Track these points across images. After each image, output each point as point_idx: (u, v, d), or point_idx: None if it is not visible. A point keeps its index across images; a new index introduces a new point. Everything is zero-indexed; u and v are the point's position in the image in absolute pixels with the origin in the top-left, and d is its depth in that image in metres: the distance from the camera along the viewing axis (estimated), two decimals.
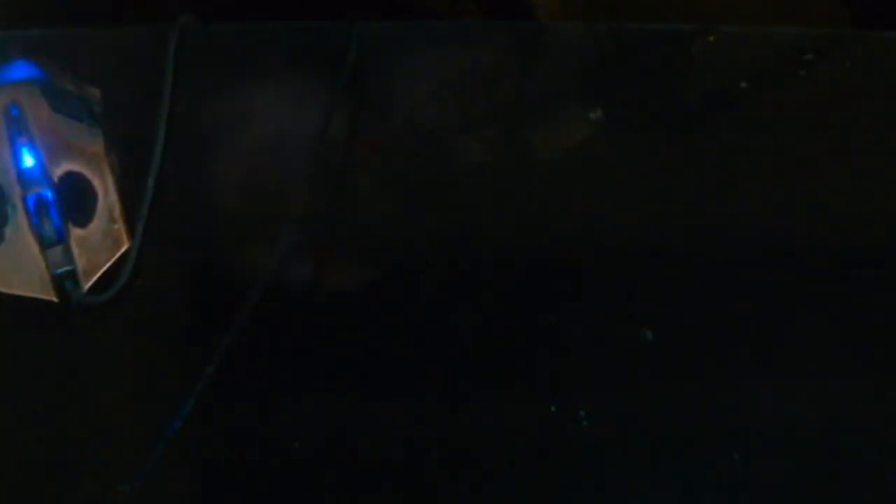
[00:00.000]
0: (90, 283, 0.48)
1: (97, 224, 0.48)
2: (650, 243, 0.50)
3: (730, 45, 0.57)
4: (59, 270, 0.47)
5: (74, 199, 0.47)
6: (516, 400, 0.46)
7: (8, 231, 0.46)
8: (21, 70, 0.50)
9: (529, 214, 0.51)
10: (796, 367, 0.46)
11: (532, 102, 0.56)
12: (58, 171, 0.47)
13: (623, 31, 0.57)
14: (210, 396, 0.45)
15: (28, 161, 0.46)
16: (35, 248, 0.46)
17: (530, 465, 0.44)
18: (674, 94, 0.56)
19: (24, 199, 0.46)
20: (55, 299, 0.47)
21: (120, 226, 0.49)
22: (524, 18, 0.76)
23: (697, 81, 0.57)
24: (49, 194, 0.46)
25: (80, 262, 0.47)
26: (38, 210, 0.46)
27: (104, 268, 0.48)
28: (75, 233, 0.47)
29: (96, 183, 0.48)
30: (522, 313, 0.48)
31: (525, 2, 0.77)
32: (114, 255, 0.49)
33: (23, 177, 0.46)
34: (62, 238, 0.47)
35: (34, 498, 0.43)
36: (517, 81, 0.57)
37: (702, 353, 0.47)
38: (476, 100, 0.56)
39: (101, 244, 0.48)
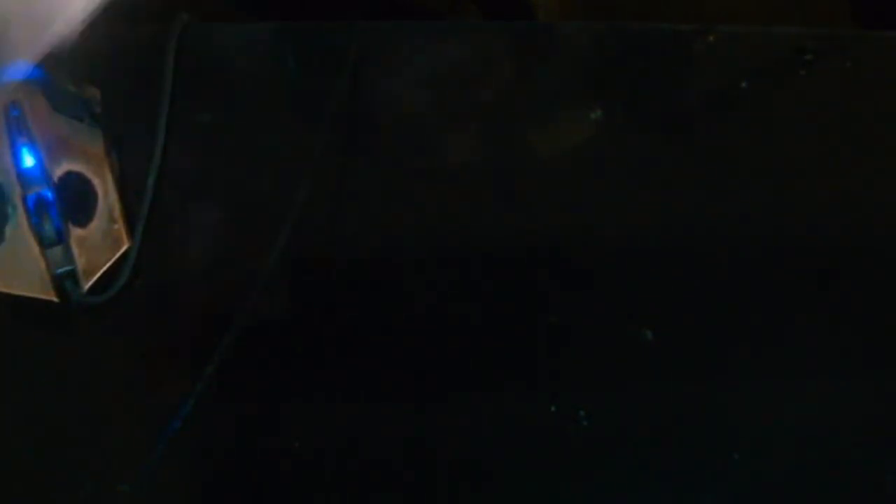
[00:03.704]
0: (90, 283, 0.48)
1: (97, 224, 0.48)
2: (650, 243, 0.50)
3: (730, 45, 0.57)
4: (60, 270, 0.47)
5: (74, 199, 0.47)
6: (516, 400, 0.46)
7: (8, 231, 0.46)
8: (21, 70, 0.49)
9: (529, 214, 0.51)
10: (796, 367, 0.46)
11: (532, 102, 0.56)
12: (58, 171, 0.47)
13: (623, 31, 0.57)
14: (210, 396, 0.45)
15: (28, 161, 0.46)
16: (35, 248, 0.46)
17: (530, 465, 0.44)
18: (674, 94, 0.56)
19: (24, 199, 0.46)
20: (55, 299, 0.47)
21: (120, 226, 0.49)
22: (524, 18, 0.76)
23: (697, 81, 0.57)
24: (49, 194, 0.46)
25: (80, 262, 0.47)
26: (37, 210, 0.46)
27: (104, 268, 0.48)
28: (75, 233, 0.47)
29: (96, 183, 0.48)
30: (522, 313, 0.48)
31: (525, 2, 0.77)
32: (114, 254, 0.49)
33: (23, 177, 0.46)
34: (62, 238, 0.47)
35: (34, 498, 0.43)
36: (517, 81, 0.57)
37: (702, 353, 0.47)
38: (476, 100, 0.56)
39: (101, 244, 0.48)
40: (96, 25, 0.56)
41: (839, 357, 0.47)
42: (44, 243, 0.46)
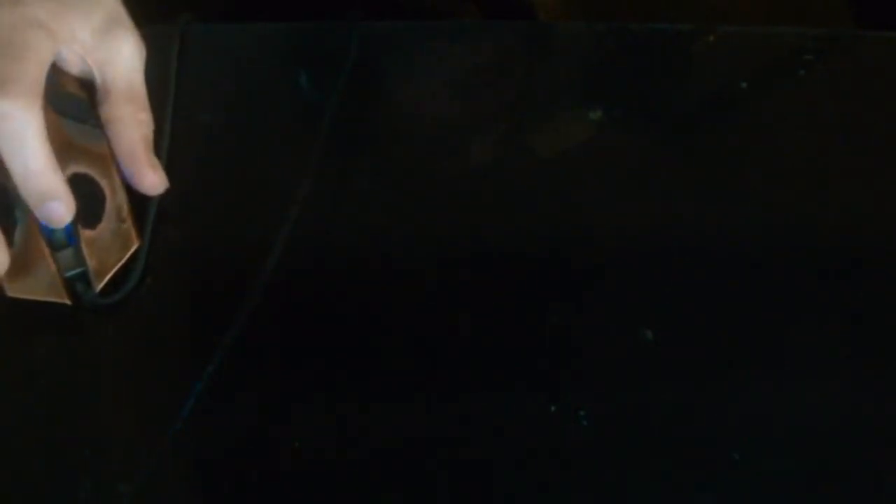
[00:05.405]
0: (102, 284, 0.47)
1: (106, 225, 0.48)
2: (650, 243, 0.50)
3: (730, 45, 0.57)
4: (71, 273, 0.47)
5: (82, 201, 0.46)
6: (516, 400, 0.46)
7: (17, 235, 0.46)
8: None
9: (529, 214, 0.51)
10: (796, 367, 0.46)
11: (532, 102, 0.56)
12: (64, 174, 0.46)
13: (623, 31, 0.57)
14: (210, 396, 0.45)
15: None
16: (45, 251, 0.46)
17: (530, 465, 0.44)
18: (674, 94, 0.56)
19: None
20: (68, 302, 0.47)
21: (129, 225, 0.49)
22: (524, 18, 0.76)
23: (697, 81, 0.57)
24: None
25: (91, 264, 0.47)
26: None
27: (115, 268, 0.48)
28: (85, 234, 0.47)
29: (103, 184, 0.48)
30: (522, 313, 0.48)
31: (525, 2, 0.77)
32: (124, 255, 0.48)
33: None
34: (72, 241, 0.46)
35: (34, 498, 0.43)
36: (517, 81, 0.57)
37: (702, 353, 0.47)
38: (476, 100, 0.56)
39: (110, 245, 0.48)
40: None
41: (840, 356, 0.47)
42: (54, 246, 0.46)
